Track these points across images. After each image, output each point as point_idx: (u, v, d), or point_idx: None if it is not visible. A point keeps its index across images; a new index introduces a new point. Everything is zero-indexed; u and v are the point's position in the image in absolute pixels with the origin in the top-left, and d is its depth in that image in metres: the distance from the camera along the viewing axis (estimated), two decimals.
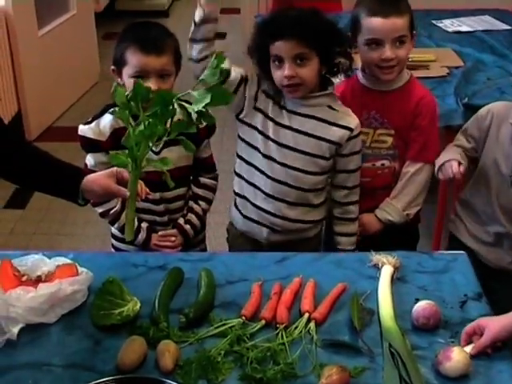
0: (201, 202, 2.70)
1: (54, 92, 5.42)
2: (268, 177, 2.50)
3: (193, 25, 2.35)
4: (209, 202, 2.73)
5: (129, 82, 2.43)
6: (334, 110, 2.48)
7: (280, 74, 2.37)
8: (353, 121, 2.49)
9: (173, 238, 2.64)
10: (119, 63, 2.49)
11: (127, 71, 2.45)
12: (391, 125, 2.66)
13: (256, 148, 2.51)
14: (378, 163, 2.72)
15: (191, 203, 2.70)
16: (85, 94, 5.94)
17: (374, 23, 2.54)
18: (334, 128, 2.46)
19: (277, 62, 2.37)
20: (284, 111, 2.46)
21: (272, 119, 2.47)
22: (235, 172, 2.61)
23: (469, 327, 1.89)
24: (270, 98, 2.48)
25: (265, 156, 2.49)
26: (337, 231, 2.65)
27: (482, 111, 2.63)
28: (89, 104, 5.66)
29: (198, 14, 2.31)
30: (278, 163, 2.48)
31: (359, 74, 2.70)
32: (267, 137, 2.47)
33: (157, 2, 8.06)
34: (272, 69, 2.40)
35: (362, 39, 2.58)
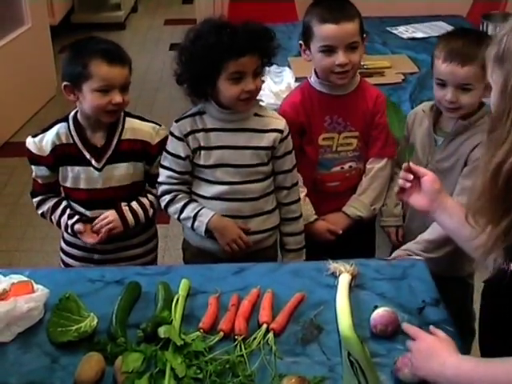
0: (149, 196, 2.61)
1: (11, 107, 5.36)
2: (218, 199, 2.48)
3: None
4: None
5: (93, 97, 2.40)
6: (261, 116, 2.49)
7: (239, 90, 2.34)
8: (281, 122, 2.51)
9: (108, 218, 2.53)
10: (79, 78, 2.40)
11: (91, 85, 2.39)
12: (355, 126, 2.69)
13: (199, 178, 2.51)
14: (346, 166, 2.75)
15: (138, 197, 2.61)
16: (42, 109, 5.88)
17: (326, 30, 2.55)
18: (266, 134, 2.47)
19: (235, 78, 2.34)
20: (211, 133, 2.44)
21: (203, 147, 2.46)
22: None
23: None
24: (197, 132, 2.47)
25: (210, 181, 2.49)
26: (283, 232, 2.66)
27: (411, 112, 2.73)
28: (46, 118, 5.56)
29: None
30: (224, 183, 2.47)
31: (312, 81, 2.72)
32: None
33: (113, 14, 8.02)
34: (226, 86, 2.35)
35: (315, 47, 2.60)
